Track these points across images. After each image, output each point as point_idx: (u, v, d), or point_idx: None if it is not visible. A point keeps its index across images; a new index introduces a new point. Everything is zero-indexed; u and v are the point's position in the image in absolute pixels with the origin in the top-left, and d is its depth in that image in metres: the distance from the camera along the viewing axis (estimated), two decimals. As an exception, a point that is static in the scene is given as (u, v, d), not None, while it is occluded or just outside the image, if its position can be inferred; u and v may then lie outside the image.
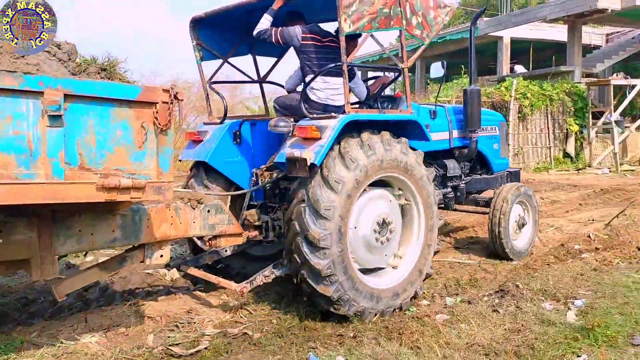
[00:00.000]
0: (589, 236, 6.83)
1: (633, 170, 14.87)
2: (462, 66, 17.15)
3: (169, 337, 3.92)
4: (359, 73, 5.29)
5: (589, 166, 15.49)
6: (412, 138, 4.74)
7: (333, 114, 4.24)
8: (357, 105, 5.18)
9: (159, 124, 3.13)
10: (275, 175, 4.73)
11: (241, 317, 4.32)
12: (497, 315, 4.26)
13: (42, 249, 3.30)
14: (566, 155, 16.08)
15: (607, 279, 5.11)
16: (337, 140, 4.06)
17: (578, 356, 3.48)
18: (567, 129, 15.97)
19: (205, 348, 3.71)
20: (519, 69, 19.86)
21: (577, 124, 15.82)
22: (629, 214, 7.99)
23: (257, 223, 4.68)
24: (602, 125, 15.66)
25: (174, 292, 4.91)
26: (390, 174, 4.37)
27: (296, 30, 4.63)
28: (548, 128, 15.62)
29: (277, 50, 5.59)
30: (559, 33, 19.03)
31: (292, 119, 4.61)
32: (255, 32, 4.67)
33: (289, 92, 5.23)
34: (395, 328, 3.97)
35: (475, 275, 5.51)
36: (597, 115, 16.05)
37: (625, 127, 16.16)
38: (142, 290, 4.99)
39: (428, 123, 5.30)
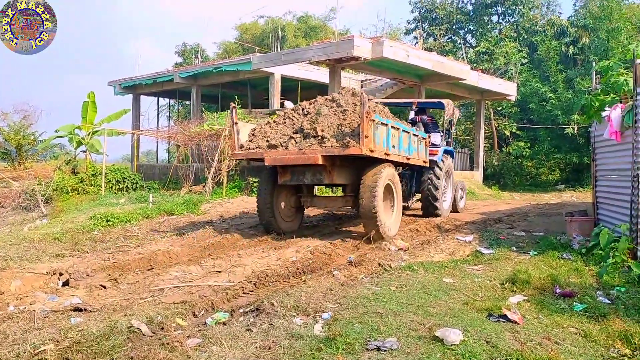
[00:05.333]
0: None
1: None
2: (236, 97, 17.58)
3: None
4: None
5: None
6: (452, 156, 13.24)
7: (438, 146, 12.30)
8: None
9: (426, 143, 11.44)
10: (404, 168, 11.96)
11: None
12: (249, 335, 4.26)
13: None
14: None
15: (351, 292, 5.55)
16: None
17: (320, 365, 3.64)
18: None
19: None
20: (289, 104, 21.07)
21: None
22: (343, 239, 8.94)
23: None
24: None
25: None
26: (448, 169, 12.53)
27: (426, 118, 12.90)
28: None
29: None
30: (322, 75, 20.92)
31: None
32: (410, 118, 13.07)
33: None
34: (140, 357, 3.65)
35: (234, 296, 5.49)
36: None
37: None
38: None
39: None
